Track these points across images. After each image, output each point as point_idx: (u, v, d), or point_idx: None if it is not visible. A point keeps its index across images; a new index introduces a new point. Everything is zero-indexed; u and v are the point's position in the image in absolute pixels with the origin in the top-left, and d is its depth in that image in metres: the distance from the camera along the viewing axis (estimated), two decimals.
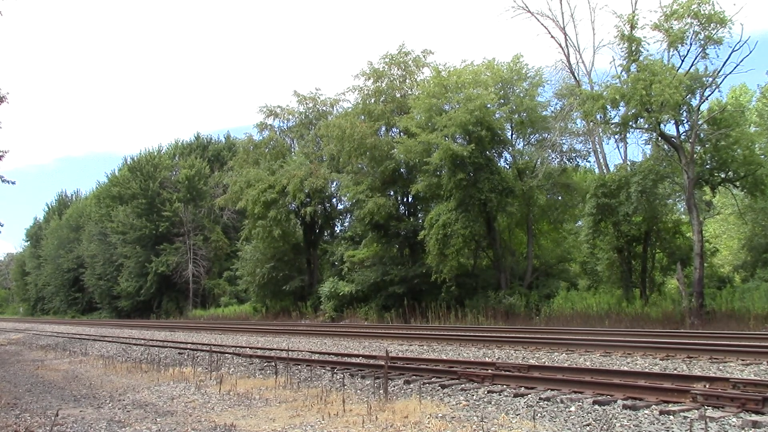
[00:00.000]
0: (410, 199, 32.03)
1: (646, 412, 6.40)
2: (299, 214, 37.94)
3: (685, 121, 20.91)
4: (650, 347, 11.39)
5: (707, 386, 7.13)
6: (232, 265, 48.87)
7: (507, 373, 8.80)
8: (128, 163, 57.04)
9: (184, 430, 6.77)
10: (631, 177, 21.47)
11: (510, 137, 28.72)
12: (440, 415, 6.83)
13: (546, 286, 26.43)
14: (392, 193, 31.61)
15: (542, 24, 25.72)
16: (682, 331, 16.62)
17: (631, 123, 21.32)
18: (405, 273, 29.22)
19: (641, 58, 20.44)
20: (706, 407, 6.27)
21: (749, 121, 24.07)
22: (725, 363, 9.67)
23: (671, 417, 6.13)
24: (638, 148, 57.86)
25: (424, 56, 32.44)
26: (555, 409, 6.84)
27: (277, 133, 41.92)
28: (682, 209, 24.34)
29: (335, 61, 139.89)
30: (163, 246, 51.30)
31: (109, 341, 21.50)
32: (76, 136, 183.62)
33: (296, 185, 34.73)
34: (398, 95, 32.10)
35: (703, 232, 21.30)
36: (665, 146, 21.63)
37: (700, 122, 20.14)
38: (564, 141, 27.46)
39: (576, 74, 25.07)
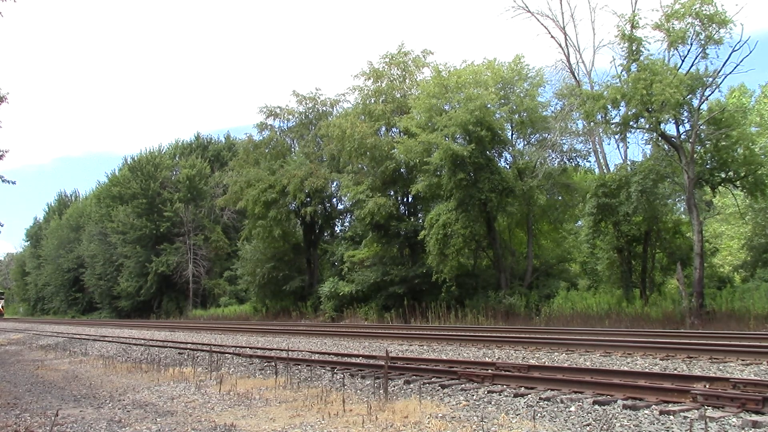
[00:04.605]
0: (410, 199, 32.04)
1: (646, 412, 6.40)
2: (299, 214, 37.95)
3: (686, 121, 20.91)
4: (650, 347, 11.38)
5: (707, 386, 7.12)
6: (232, 265, 48.89)
7: (507, 373, 8.80)
8: (128, 162, 57.02)
9: (184, 430, 6.77)
10: (632, 177, 21.46)
11: (510, 137, 28.73)
12: (440, 415, 6.83)
13: (546, 286, 26.42)
14: (392, 193, 31.61)
15: (542, 24, 25.73)
16: (682, 331, 16.62)
17: (631, 123, 21.31)
18: (405, 273, 29.22)
19: (642, 58, 20.44)
20: (706, 407, 6.27)
21: (750, 121, 24.06)
22: (725, 363, 9.67)
23: (671, 417, 6.13)
24: (638, 148, 58.04)
25: (423, 56, 32.49)
26: (555, 409, 6.84)
27: (277, 133, 41.91)
28: (682, 209, 24.33)
29: (335, 61, 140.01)
30: (163, 246, 51.30)
31: (109, 341, 21.50)
32: (74, 135, 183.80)
33: (296, 185, 34.74)
34: (398, 95, 32.11)
35: (703, 232, 21.29)
36: (665, 146, 21.62)
37: (700, 122, 20.14)
38: (564, 141, 27.44)
39: (576, 74, 25.07)
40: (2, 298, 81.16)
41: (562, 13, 30.58)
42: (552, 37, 25.65)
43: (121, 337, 23.37)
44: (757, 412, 6.04)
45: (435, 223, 25.92)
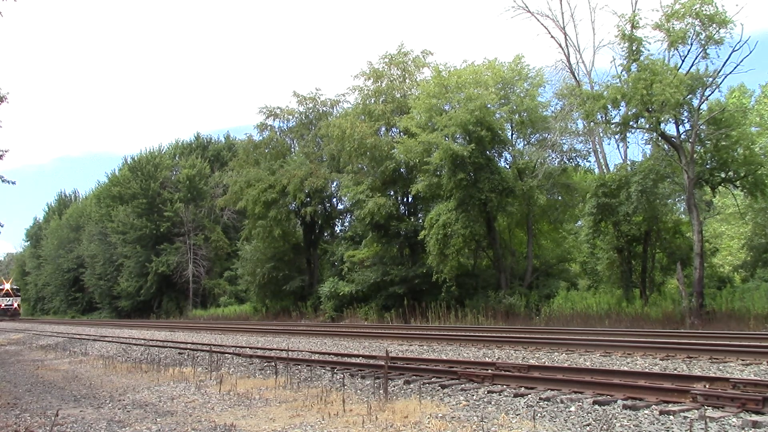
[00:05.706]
0: (410, 199, 32.03)
1: (646, 412, 6.40)
2: (299, 214, 37.95)
3: (686, 120, 20.91)
4: (650, 347, 11.38)
5: (707, 386, 7.12)
6: (232, 265, 48.89)
7: (507, 373, 8.80)
8: (128, 162, 57.01)
9: (184, 430, 6.77)
10: (632, 177, 21.47)
11: (510, 137, 28.72)
12: (440, 415, 6.83)
13: (546, 286, 26.43)
14: (392, 193, 31.61)
15: (542, 24, 25.71)
16: (682, 331, 16.61)
17: (631, 123, 21.32)
18: (405, 273, 29.21)
19: (642, 58, 20.44)
20: (706, 407, 6.27)
21: (750, 121, 24.05)
22: (725, 363, 9.67)
23: (671, 417, 6.13)
24: (638, 148, 57.94)
25: (423, 56, 32.51)
26: (555, 409, 6.84)
27: (277, 133, 41.91)
28: (682, 209, 24.34)
29: (335, 61, 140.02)
30: (163, 246, 51.32)
31: (109, 341, 21.50)
32: (74, 135, 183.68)
33: (296, 185, 34.75)
34: (398, 95, 32.12)
35: (703, 232, 21.29)
36: (665, 146, 21.62)
37: (700, 122, 20.14)
38: (564, 141, 27.45)
39: (576, 74, 25.06)
40: (18, 296, 76.55)
41: (562, 13, 30.53)
42: (552, 37, 25.66)
43: (121, 337, 23.37)
44: (757, 412, 6.04)
45: (435, 223, 25.92)
